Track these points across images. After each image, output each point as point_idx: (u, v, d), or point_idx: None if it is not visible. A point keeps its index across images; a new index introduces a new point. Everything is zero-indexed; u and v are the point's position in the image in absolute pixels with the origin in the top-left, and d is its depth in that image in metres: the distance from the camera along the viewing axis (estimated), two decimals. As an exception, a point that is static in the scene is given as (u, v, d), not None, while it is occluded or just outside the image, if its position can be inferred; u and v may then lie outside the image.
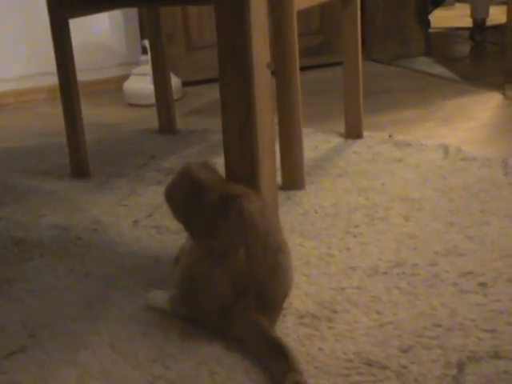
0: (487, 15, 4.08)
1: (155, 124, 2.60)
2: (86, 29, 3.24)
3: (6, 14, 3.18)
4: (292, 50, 1.83)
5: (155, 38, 2.49)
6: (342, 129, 2.37)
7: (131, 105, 3.09)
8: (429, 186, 1.90)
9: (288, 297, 1.30)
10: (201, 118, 2.77)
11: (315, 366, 1.15)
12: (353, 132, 2.35)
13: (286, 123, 1.88)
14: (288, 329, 1.26)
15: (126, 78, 3.19)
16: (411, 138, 2.31)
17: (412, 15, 3.74)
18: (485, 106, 2.75)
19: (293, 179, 1.94)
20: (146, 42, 2.70)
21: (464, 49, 4.19)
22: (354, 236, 1.63)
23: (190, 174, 1.37)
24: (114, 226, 1.76)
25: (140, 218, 1.80)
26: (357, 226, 1.68)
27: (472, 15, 4.09)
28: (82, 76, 2.36)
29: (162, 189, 1.45)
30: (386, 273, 1.45)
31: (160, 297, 1.34)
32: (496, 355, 1.16)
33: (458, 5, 5.15)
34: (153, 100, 2.60)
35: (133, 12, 3.43)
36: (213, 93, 3.10)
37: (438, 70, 3.45)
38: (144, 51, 3.11)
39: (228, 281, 1.21)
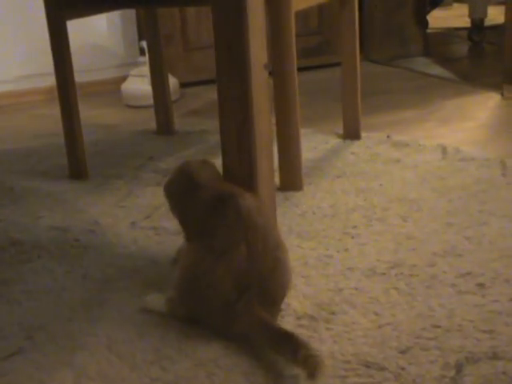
0: (485, 15, 4.08)
1: (153, 125, 2.60)
2: (84, 30, 3.24)
3: (4, 15, 3.18)
4: (290, 50, 1.83)
5: (153, 39, 2.49)
6: (340, 129, 2.37)
7: (129, 106, 3.09)
8: (427, 187, 1.90)
9: (288, 291, 1.30)
10: (199, 119, 2.77)
11: (313, 368, 1.15)
12: (351, 133, 2.34)
13: (283, 124, 1.88)
14: (286, 330, 1.26)
15: (123, 79, 3.19)
16: (409, 139, 2.31)
17: (410, 15, 3.74)
18: (483, 106, 2.75)
19: (291, 180, 1.93)
20: (144, 44, 2.69)
21: (462, 49, 4.20)
22: (352, 237, 1.63)
23: (187, 171, 1.38)
24: (111, 228, 1.76)
25: (138, 220, 1.80)
26: (355, 227, 1.68)
27: (470, 15, 4.09)
28: (79, 77, 2.36)
29: (160, 190, 1.46)
30: (384, 274, 1.45)
31: (157, 300, 1.34)
32: (494, 356, 1.15)
33: (456, 5, 5.16)
34: (151, 101, 2.60)
35: (131, 13, 3.43)
36: (211, 94, 3.09)
37: (436, 70, 3.45)
38: (142, 52, 3.11)
39: (230, 277, 1.22)
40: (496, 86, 2.89)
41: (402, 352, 1.18)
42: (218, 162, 1.41)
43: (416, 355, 1.17)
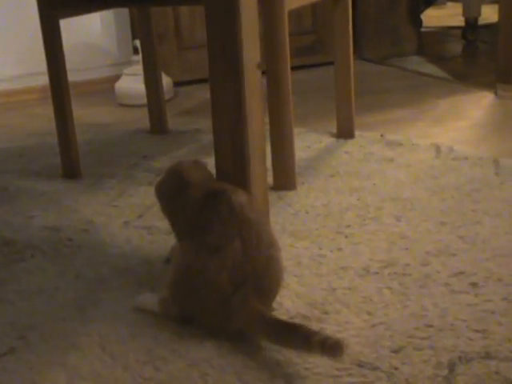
0: (479, 14, 4.09)
1: (146, 124, 2.59)
2: (77, 29, 3.23)
3: (-3, 14, 3.17)
4: (283, 49, 1.83)
5: (146, 38, 2.48)
6: (334, 129, 2.37)
7: (122, 105, 3.08)
8: (420, 186, 1.90)
9: (280, 289, 1.30)
10: (192, 118, 2.77)
11: (306, 368, 1.14)
12: (344, 132, 2.34)
13: (277, 123, 1.88)
14: (279, 330, 1.26)
15: (117, 78, 3.18)
16: (403, 138, 2.31)
17: (404, 14, 3.74)
18: (476, 105, 2.75)
19: (284, 179, 1.93)
20: (138, 43, 2.69)
21: (456, 48, 4.20)
22: (346, 236, 1.63)
23: (178, 171, 1.38)
24: (104, 227, 1.76)
25: (131, 219, 1.80)
26: (348, 226, 1.68)
27: (464, 14, 4.10)
28: (73, 76, 2.36)
29: (153, 189, 1.46)
30: (377, 273, 1.45)
31: (149, 299, 1.33)
32: (487, 355, 1.15)
33: (449, 4, 5.16)
34: (144, 100, 2.59)
35: (124, 12, 3.42)
36: (204, 93, 3.07)
37: (430, 69, 3.45)
38: (135, 51, 3.10)
39: (226, 273, 1.21)
40: (490, 85, 2.89)
41: (395, 351, 1.18)
42: (211, 162, 1.41)
43: (409, 355, 1.17)
